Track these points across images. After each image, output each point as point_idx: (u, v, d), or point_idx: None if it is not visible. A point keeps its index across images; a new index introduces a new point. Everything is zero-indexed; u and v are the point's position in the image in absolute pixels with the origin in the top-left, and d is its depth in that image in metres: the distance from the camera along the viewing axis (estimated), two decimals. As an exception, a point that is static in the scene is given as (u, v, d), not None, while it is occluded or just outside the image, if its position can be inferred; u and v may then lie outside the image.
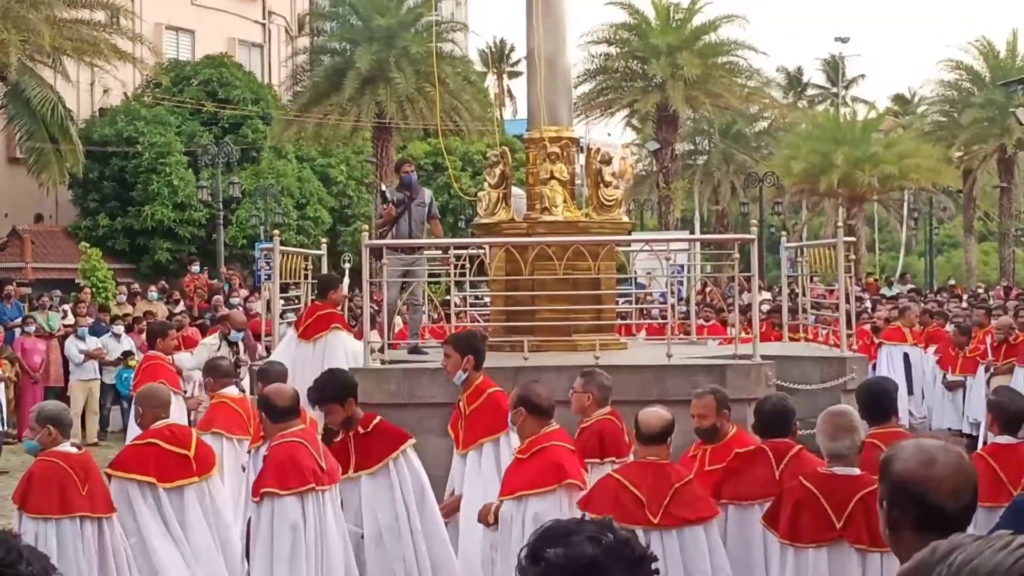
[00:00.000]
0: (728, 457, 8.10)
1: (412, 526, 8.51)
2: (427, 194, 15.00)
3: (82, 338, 22.15)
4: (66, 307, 26.23)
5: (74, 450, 8.49)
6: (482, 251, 15.34)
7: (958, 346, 17.85)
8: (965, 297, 33.21)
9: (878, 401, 8.29)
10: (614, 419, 9.30)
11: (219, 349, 14.95)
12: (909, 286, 38.19)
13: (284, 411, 8.17)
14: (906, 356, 18.19)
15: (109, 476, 8.84)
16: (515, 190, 14.79)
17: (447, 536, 8.86)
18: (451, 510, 9.27)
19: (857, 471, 6.59)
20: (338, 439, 8.62)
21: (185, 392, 15.00)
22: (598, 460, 8.83)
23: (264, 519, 7.82)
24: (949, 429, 17.58)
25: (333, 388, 8.53)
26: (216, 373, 11.56)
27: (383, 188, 15.89)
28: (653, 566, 2.83)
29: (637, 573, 2.77)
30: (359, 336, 13.78)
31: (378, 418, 8.69)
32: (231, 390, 11.40)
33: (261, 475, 8.06)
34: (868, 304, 26.00)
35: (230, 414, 10.99)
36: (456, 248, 15.98)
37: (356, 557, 8.39)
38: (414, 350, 14.20)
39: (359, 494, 8.52)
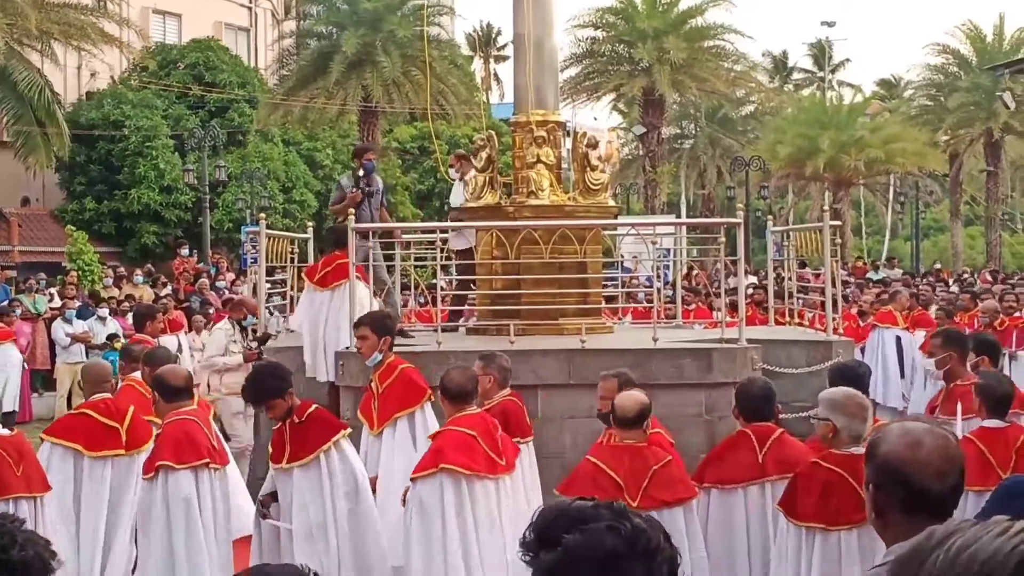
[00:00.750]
0: None
1: (338, 525, 8.24)
2: (380, 182, 15.10)
3: (69, 321, 22.12)
4: (52, 290, 26.20)
5: (6, 432, 8.52)
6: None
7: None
8: (951, 281, 33.28)
9: (853, 384, 8.33)
10: (516, 400, 9.41)
11: (234, 334, 14.91)
12: (898, 270, 38.30)
13: (177, 391, 8.25)
14: (898, 339, 18.23)
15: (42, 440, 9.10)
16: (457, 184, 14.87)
17: (381, 534, 8.55)
18: None
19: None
20: (276, 427, 8.50)
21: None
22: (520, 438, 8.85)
23: (158, 493, 7.87)
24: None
25: (271, 383, 8.36)
26: (127, 357, 11.34)
27: (342, 176, 15.81)
28: (665, 555, 2.79)
29: (652, 564, 2.73)
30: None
31: (314, 407, 8.46)
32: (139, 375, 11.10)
33: (155, 451, 8.12)
34: (853, 288, 26.05)
35: (139, 398, 10.66)
36: (443, 232, 15.97)
37: (285, 551, 8.31)
38: (400, 333, 14.17)
39: (291, 486, 8.32)
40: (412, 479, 8.02)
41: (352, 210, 13.76)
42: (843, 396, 6.75)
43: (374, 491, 8.91)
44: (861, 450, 6.58)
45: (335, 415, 9.92)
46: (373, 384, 9.43)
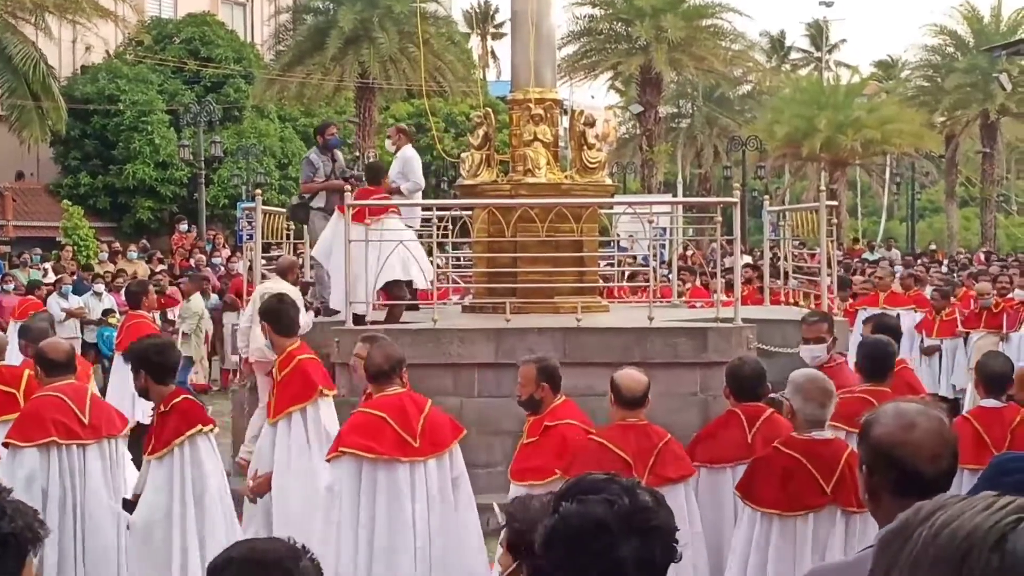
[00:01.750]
0: (540, 431, 7.80)
1: (184, 525, 7.59)
2: (341, 157, 15.15)
3: (64, 296, 22.09)
4: (47, 265, 26.18)
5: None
6: (466, 213, 15.34)
7: (936, 310, 17.93)
8: (945, 262, 33.32)
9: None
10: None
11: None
12: (896, 251, 38.32)
13: (57, 365, 8.13)
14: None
15: None
16: (408, 153, 14.74)
17: (222, 538, 7.69)
18: (262, 488, 8.94)
19: (831, 435, 6.62)
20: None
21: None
22: None
23: (4, 472, 7.76)
24: (933, 394, 17.66)
25: (134, 356, 7.97)
26: (28, 335, 11.13)
27: (310, 152, 15.72)
28: (672, 536, 2.87)
29: (648, 541, 2.79)
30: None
31: (180, 397, 7.81)
32: None
33: (10, 428, 8.06)
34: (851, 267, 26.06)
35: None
36: (439, 209, 15.96)
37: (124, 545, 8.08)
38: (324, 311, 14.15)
39: (147, 477, 7.84)
40: (327, 461, 7.87)
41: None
42: (804, 378, 6.75)
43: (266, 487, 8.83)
44: (824, 435, 6.61)
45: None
46: (274, 370, 9.23)
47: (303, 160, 15.26)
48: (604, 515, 2.79)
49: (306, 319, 12.80)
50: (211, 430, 7.79)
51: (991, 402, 8.22)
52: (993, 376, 8.27)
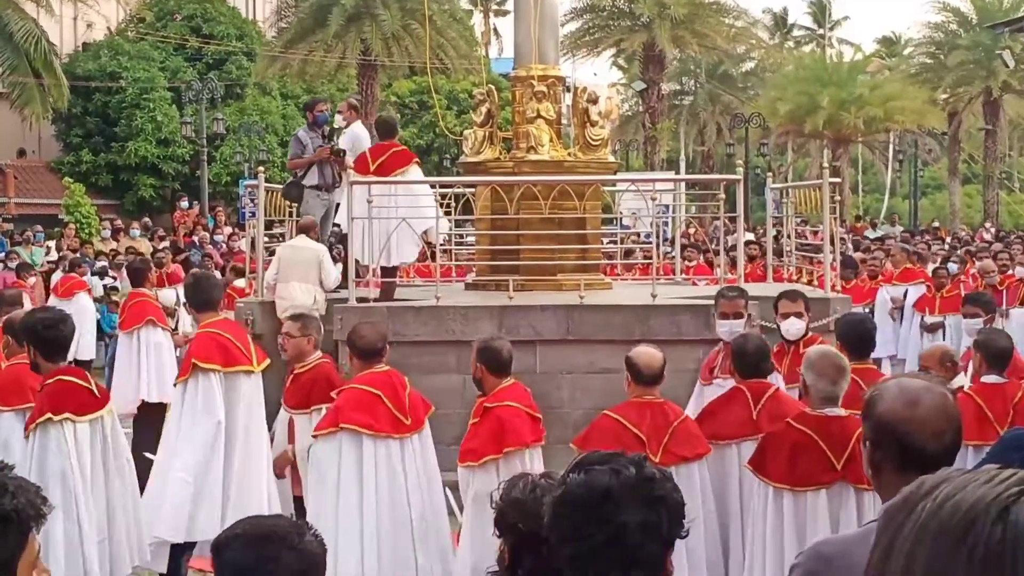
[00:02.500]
0: (480, 412, 7.80)
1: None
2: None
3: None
4: (51, 243, 26.18)
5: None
6: (468, 190, 15.33)
7: (937, 288, 17.92)
8: (948, 239, 33.29)
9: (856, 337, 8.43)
10: (330, 362, 9.18)
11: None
12: (899, 227, 38.28)
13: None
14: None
15: None
16: (357, 130, 14.67)
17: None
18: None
19: (844, 412, 6.62)
20: None
21: (173, 329, 14.98)
22: (328, 404, 8.41)
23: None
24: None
25: (23, 330, 7.82)
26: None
27: (298, 130, 15.68)
28: (679, 509, 2.95)
29: (654, 510, 2.87)
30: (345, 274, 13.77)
31: (56, 378, 7.48)
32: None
33: None
34: (849, 245, 26.04)
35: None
36: (442, 187, 15.95)
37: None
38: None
39: None
40: (313, 436, 7.85)
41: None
42: (818, 355, 6.75)
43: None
44: (837, 411, 6.61)
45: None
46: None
47: (292, 138, 15.22)
48: (609, 483, 2.87)
49: (336, 273, 12.92)
50: (65, 419, 7.34)
51: (993, 378, 8.25)
52: (996, 352, 8.30)
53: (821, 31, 76.67)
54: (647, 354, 7.51)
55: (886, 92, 51.97)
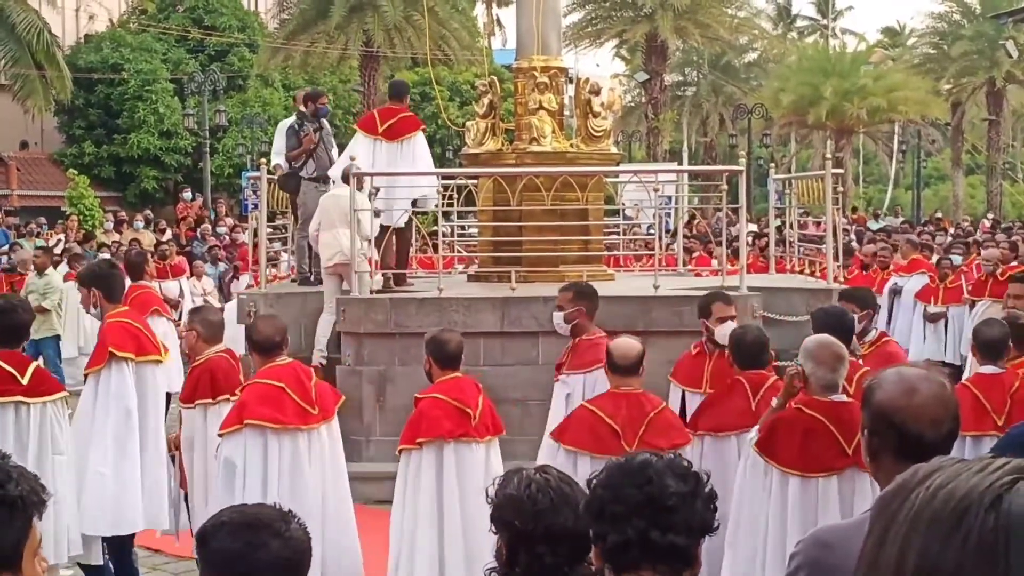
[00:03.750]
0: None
1: None
2: (327, 126, 15.28)
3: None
4: (60, 236, 26.18)
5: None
6: (471, 182, 15.34)
7: (941, 278, 17.92)
8: (951, 230, 33.26)
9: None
10: (228, 356, 8.93)
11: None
12: (900, 218, 38.26)
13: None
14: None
15: None
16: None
17: None
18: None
19: (848, 398, 6.62)
20: None
21: (177, 320, 15.03)
22: (211, 400, 8.46)
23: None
24: (929, 360, 17.66)
25: None
26: None
27: (290, 120, 15.69)
28: (713, 499, 3.26)
29: (687, 483, 3.18)
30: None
31: None
32: None
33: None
34: (852, 236, 26.05)
35: None
36: (444, 178, 15.95)
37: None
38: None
39: None
40: (219, 435, 7.81)
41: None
42: (816, 343, 6.74)
43: None
44: (842, 398, 6.62)
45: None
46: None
47: (286, 129, 15.12)
48: (648, 458, 3.20)
49: (373, 225, 13.01)
50: None
51: (989, 368, 8.26)
52: (989, 343, 8.31)
53: (824, 21, 76.48)
54: (623, 344, 7.52)
55: (889, 83, 51.90)
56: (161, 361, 8.62)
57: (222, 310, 14.17)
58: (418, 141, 13.77)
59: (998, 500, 1.46)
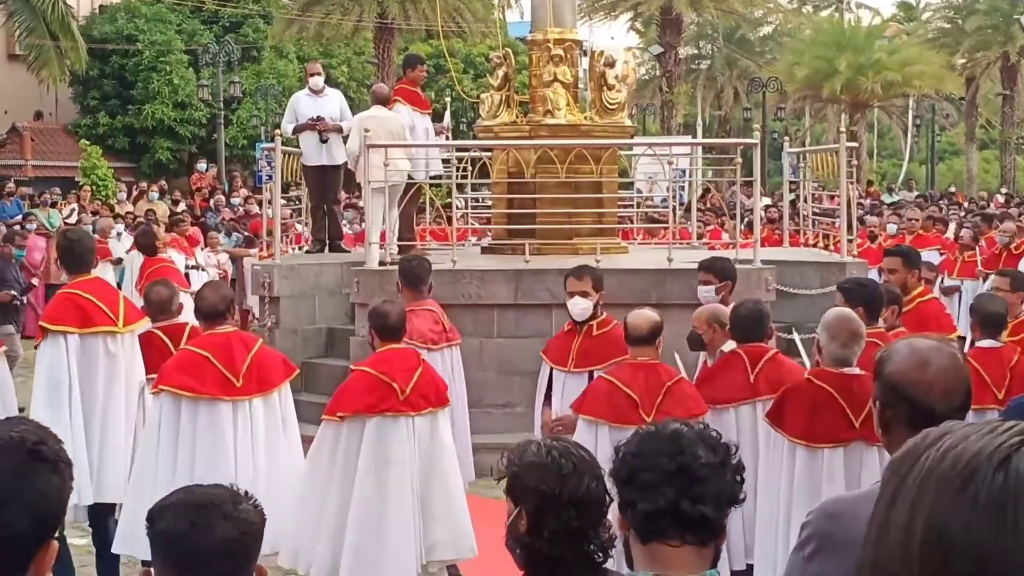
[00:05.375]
0: None
1: None
2: None
3: (86, 236, 22.12)
4: (74, 206, 26.22)
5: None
6: (485, 154, 15.37)
7: (962, 250, 17.93)
8: (965, 204, 33.20)
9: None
10: (160, 332, 8.82)
11: None
12: (915, 193, 38.17)
13: None
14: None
15: None
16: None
17: None
18: None
19: (861, 372, 6.64)
20: None
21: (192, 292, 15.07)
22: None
23: None
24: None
25: None
26: None
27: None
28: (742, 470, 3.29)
29: (716, 454, 3.19)
30: (361, 237, 13.85)
31: None
32: None
33: None
34: (868, 210, 26.00)
35: None
36: (458, 150, 15.97)
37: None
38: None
39: None
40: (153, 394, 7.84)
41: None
42: (834, 317, 6.75)
43: None
44: (855, 371, 6.63)
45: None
46: None
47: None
48: (679, 427, 3.21)
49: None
50: None
51: (989, 342, 8.32)
52: (988, 317, 8.38)
53: (839, -5, 76.19)
54: (636, 315, 7.56)
55: (904, 57, 51.71)
56: (117, 332, 8.28)
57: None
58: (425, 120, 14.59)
59: (1007, 460, 1.50)
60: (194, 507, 3.13)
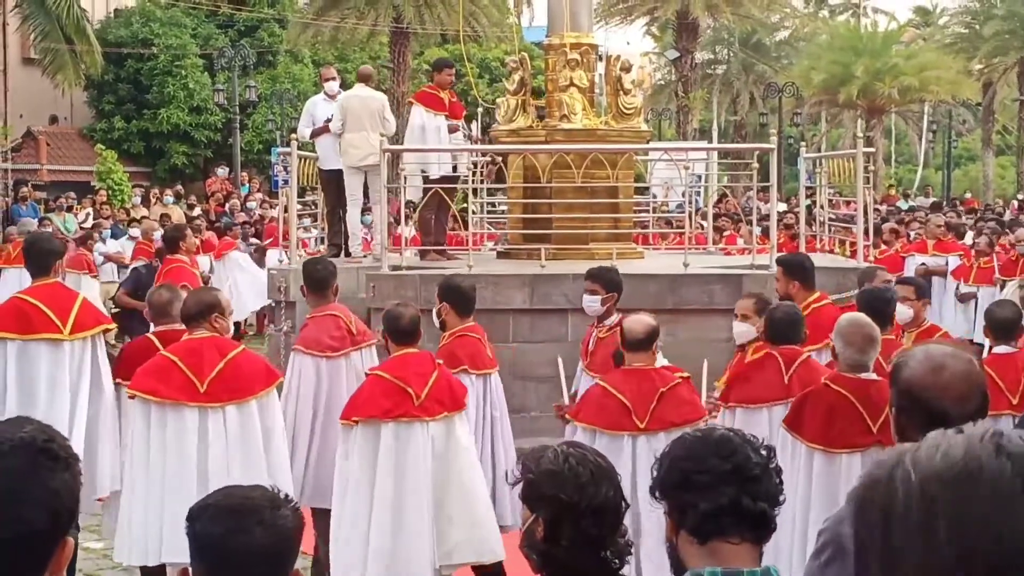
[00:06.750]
0: None
1: None
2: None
3: (103, 241, 22.21)
4: (89, 210, 26.28)
5: None
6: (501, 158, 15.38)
7: (977, 256, 17.88)
8: (981, 210, 33.10)
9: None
10: (156, 335, 8.76)
11: None
12: (931, 199, 38.07)
13: None
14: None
15: None
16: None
17: None
18: None
19: (879, 377, 6.62)
20: None
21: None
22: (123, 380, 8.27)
23: None
24: (959, 338, 17.61)
25: None
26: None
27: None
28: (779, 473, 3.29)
29: (761, 456, 3.24)
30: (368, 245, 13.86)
31: None
32: None
33: None
34: (885, 215, 25.94)
35: None
36: (474, 155, 15.97)
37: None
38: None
39: None
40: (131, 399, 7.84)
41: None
42: (848, 323, 6.76)
43: None
44: (872, 376, 6.62)
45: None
46: None
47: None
48: (725, 433, 3.29)
49: (394, 121, 14.04)
50: None
51: (1003, 348, 8.35)
52: (999, 323, 8.42)
53: (856, 0, 76.07)
54: (633, 320, 7.58)
55: (920, 62, 51.61)
56: (62, 340, 8.11)
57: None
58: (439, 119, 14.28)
59: (999, 447, 1.48)
60: (231, 512, 3.11)
